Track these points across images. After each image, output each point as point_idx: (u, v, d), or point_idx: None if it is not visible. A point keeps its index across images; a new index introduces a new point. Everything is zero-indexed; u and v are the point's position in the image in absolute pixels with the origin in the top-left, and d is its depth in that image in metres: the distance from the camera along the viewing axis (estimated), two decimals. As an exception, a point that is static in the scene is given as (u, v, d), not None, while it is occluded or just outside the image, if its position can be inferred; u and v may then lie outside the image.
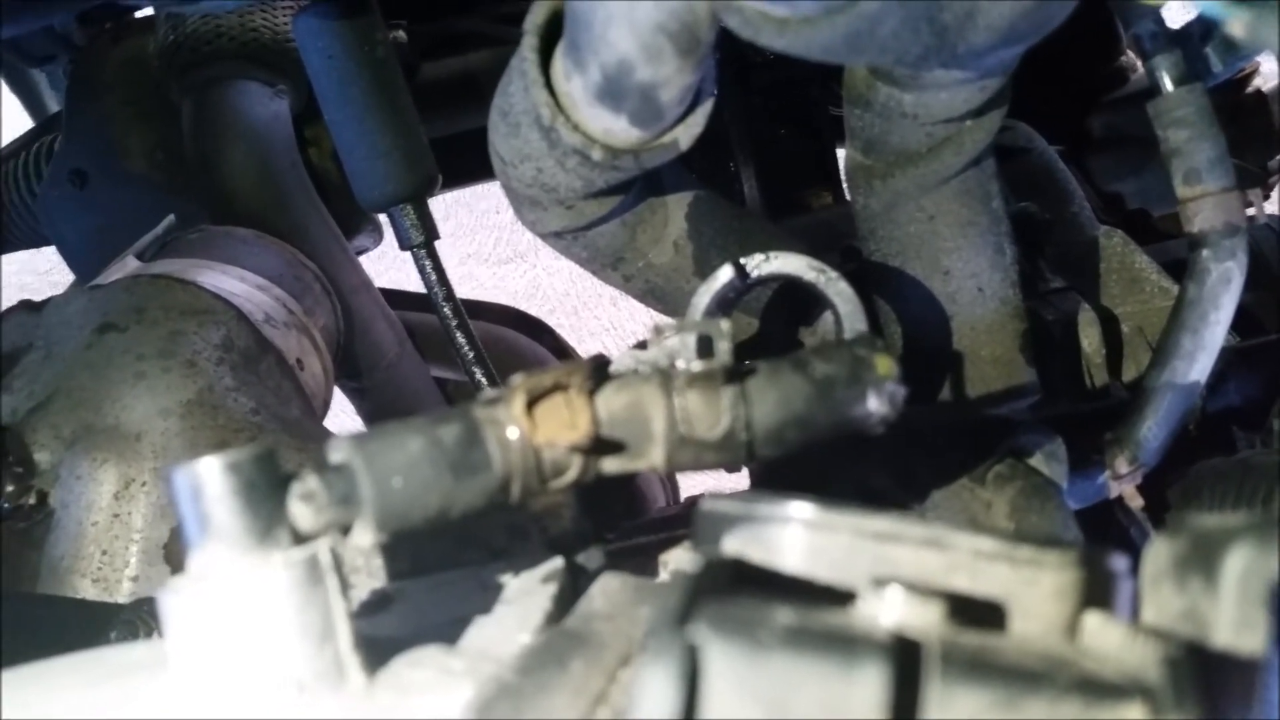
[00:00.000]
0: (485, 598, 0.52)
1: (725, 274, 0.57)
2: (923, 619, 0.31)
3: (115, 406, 0.86)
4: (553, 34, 0.60)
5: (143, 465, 0.85)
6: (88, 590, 0.82)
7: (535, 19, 0.60)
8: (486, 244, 3.31)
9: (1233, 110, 1.11)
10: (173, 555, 0.84)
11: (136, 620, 0.74)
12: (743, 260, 0.58)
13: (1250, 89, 1.15)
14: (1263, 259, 0.89)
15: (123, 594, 0.83)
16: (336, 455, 0.43)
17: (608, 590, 0.49)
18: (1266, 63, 1.09)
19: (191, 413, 0.88)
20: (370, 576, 0.58)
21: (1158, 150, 0.70)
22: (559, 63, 0.60)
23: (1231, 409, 0.78)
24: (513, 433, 0.44)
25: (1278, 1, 0.36)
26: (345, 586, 0.41)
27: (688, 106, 0.60)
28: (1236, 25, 0.36)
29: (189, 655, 0.38)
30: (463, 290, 1.04)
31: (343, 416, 1.32)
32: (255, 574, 0.38)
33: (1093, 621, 0.33)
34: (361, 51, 0.87)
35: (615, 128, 0.59)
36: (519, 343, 1.32)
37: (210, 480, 0.39)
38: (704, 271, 0.72)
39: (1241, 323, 0.74)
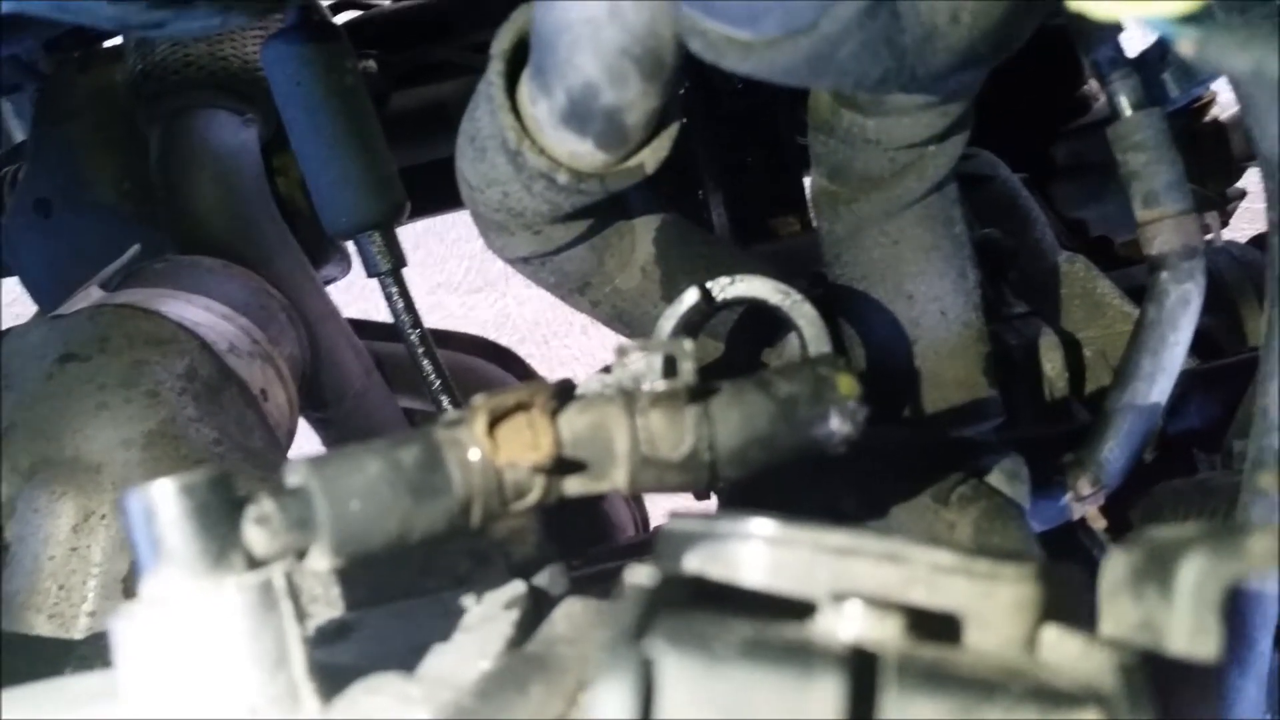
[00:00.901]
0: (446, 625, 0.51)
1: (691, 297, 0.57)
2: (881, 632, 0.31)
3: (76, 438, 0.85)
4: (519, 59, 0.61)
5: (103, 497, 0.84)
6: (43, 626, 0.81)
7: (501, 44, 0.60)
8: (456, 273, 3.31)
9: (1192, 139, 1.12)
10: (132, 589, 0.82)
11: (94, 656, 0.73)
12: (708, 283, 0.58)
13: (1208, 118, 1.17)
14: (1221, 283, 0.91)
15: (79, 630, 0.81)
16: (293, 478, 0.43)
17: (570, 614, 0.49)
18: (1224, 93, 1.11)
19: (153, 443, 0.87)
20: (329, 605, 0.58)
21: (1119, 178, 0.71)
22: (525, 87, 0.60)
23: (1191, 431, 0.78)
24: (474, 454, 0.44)
25: (1233, 22, 0.37)
26: (300, 612, 0.41)
27: (653, 130, 0.60)
28: (1185, 44, 0.36)
29: (140, 682, 0.38)
30: (432, 319, 1.04)
31: (308, 449, 1.31)
32: (209, 598, 0.37)
33: (1050, 634, 0.33)
34: (330, 78, 0.87)
35: (581, 151, 0.59)
36: (488, 372, 1.32)
37: (164, 503, 0.38)
38: (671, 296, 0.72)
39: (1201, 346, 0.75)
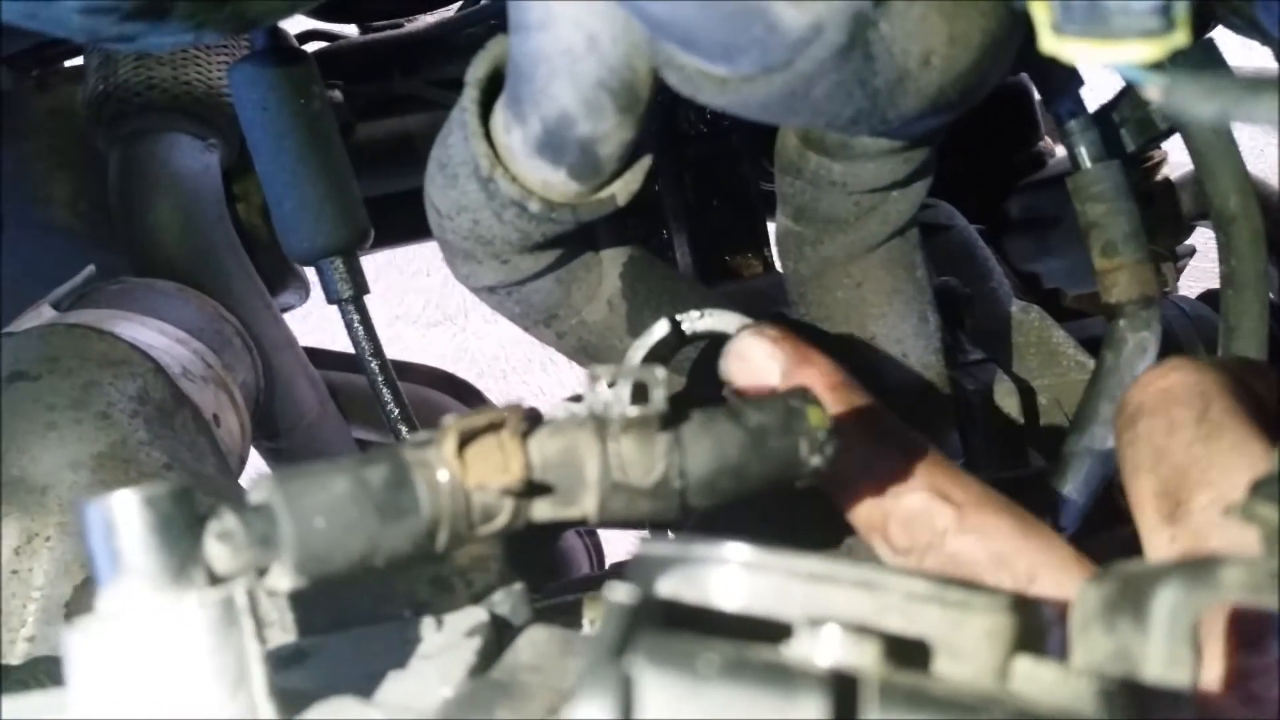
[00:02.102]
0: (405, 652, 0.50)
1: (661, 329, 0.58)
2: (859, 657, 0.31)
3: (22, 458, 0.83)
4: (493, 87, 0.61)
5: (47, 519, 0.82)
6: (-22, 651, 0.78)
7: (477, 71, 0.60)
8: (415, 306, 3.30)
9: (1143, 197, 1.16)
10: (75, 614, 0.80)
11: (31, 680, 0.70)
12: (678, 316, 0.58)
13: (1159, 177, 1.21)
14: (1173, 337, 0.93)
15: (16, 655, 0.79)
16: (257, 494, 0.42)
17: (535, 642, 0.48)
18: (1173, 154, 1.14)
19: (103, 465, 0.85)
20: (284, 631, 0.56)
21: (1071, 232, 0.73)
22: (499, 115, 0.60)
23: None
24: (443, 475, 0.43)
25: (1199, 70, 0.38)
26: (261, 630, 0.40)
27: (626, 163, 0.60)
28: (1153, 90, 0.37)
29: (93, 698, 0.37)
30: (391, 351, 1.03)
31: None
32: (169, 613, 0.36)
33: (1023, 665, 0.34)
34: (297, 103, 0.86)
35: (554, 180, 0.59)
36: (445, 404, 1.31)
37: (125, 515, 0.37)
38: (637, 330, 0.72)
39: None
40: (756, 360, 0.54)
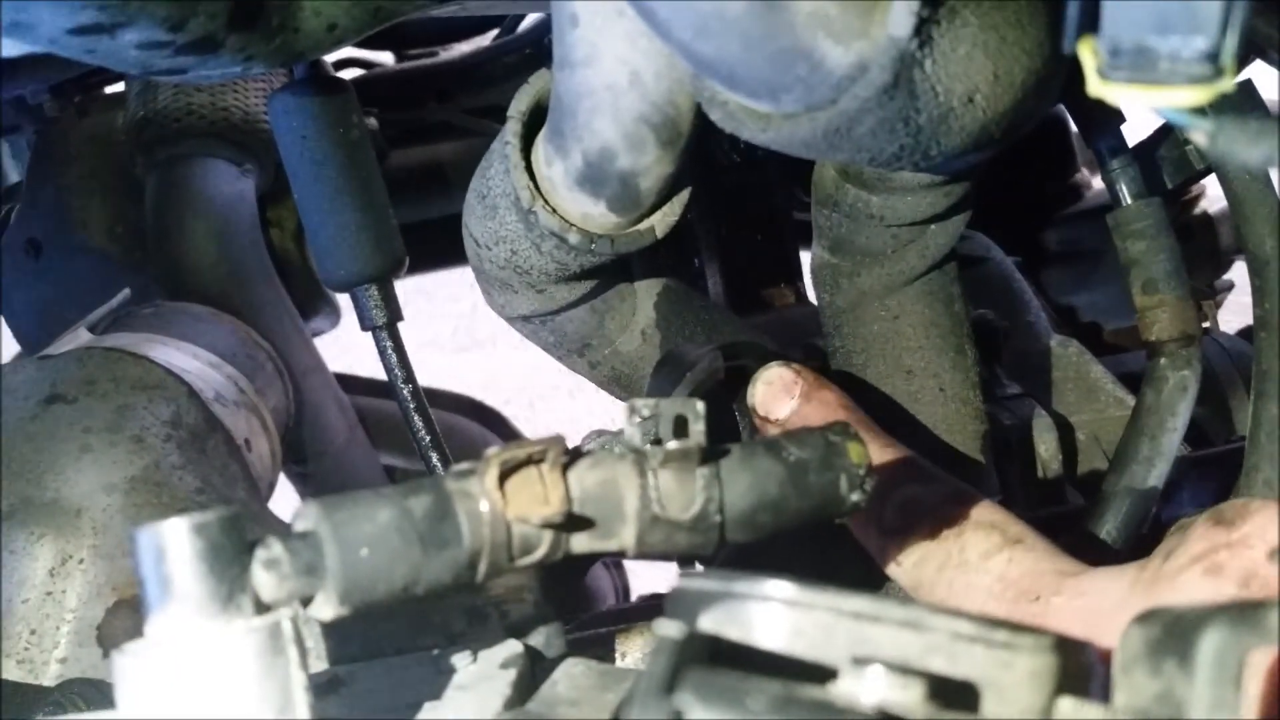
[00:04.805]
0: (440, 683, 0.50)
1: (713, 362, 0.58)
2: (904, 698, 0.31)
3: (57, 480, 0.84)
4: (535, 120, 0.62)
5: (81, 541, 0.83)
6: (12, 672, 0.78)
7: (520, 105, 0.61)
8: (444, 332, 3.31)
9: (1182, 230, 1.15)
10: (107, 637, 0.81)
11: (65, 703, 0.71)
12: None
13: (1197, 211, 1.20)
14: (1210, 373, 0.92)
15: (49, 676, 0.79)
16: (303, 522, 0.42)
17: (572, 675, 0.48)
18: (1211, 188, 1.13)
19: (136, 489, 0.86)
20: (318, 659, 0.57)
21: (1110, 266, 0.73)
22: (540, 148, 0.61)
23: (1185, 517, 0.79)
24: (484, 506, 0.43)
25: (1240, 115, 0.38)
26: (305, 658, 0.40)
27: (665, 196, 0.61)
28: (1198, 135, 0.37)
29: (140, 723, 0.37)
30: (418, 378, 1.03)
31: (286, 503, 1.29)
32: (218, 640, 0.37)
33: (1066, 706, 0.33)
34: (336, 132, 0.87)
35: (594, 213, 0.60)
36: (472, 431, 1.31)
37: (175, 541, 0.38)
38: (670, 361, 0.72)
39: (1191, 434, 0.75)
40: (779, 386, 0.57)
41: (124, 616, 0.80)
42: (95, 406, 0.88)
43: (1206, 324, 1.02)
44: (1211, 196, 1.21)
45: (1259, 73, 0.73)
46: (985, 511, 0.54)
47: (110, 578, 0.80)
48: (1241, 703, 0.30)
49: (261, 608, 0.39)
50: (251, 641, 0.37)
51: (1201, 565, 0.44)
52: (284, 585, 0.40)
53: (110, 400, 0.89)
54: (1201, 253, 1.18)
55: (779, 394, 0.60)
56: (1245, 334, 1.00)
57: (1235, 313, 1.21)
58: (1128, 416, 0.72)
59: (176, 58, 0.55)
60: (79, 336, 1.01)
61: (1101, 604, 0.47)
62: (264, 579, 0.39)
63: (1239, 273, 1.22)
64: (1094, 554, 0.66)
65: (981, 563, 0.52)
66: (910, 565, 0.54)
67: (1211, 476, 0.79)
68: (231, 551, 0.38)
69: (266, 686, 0.37)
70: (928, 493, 0.55)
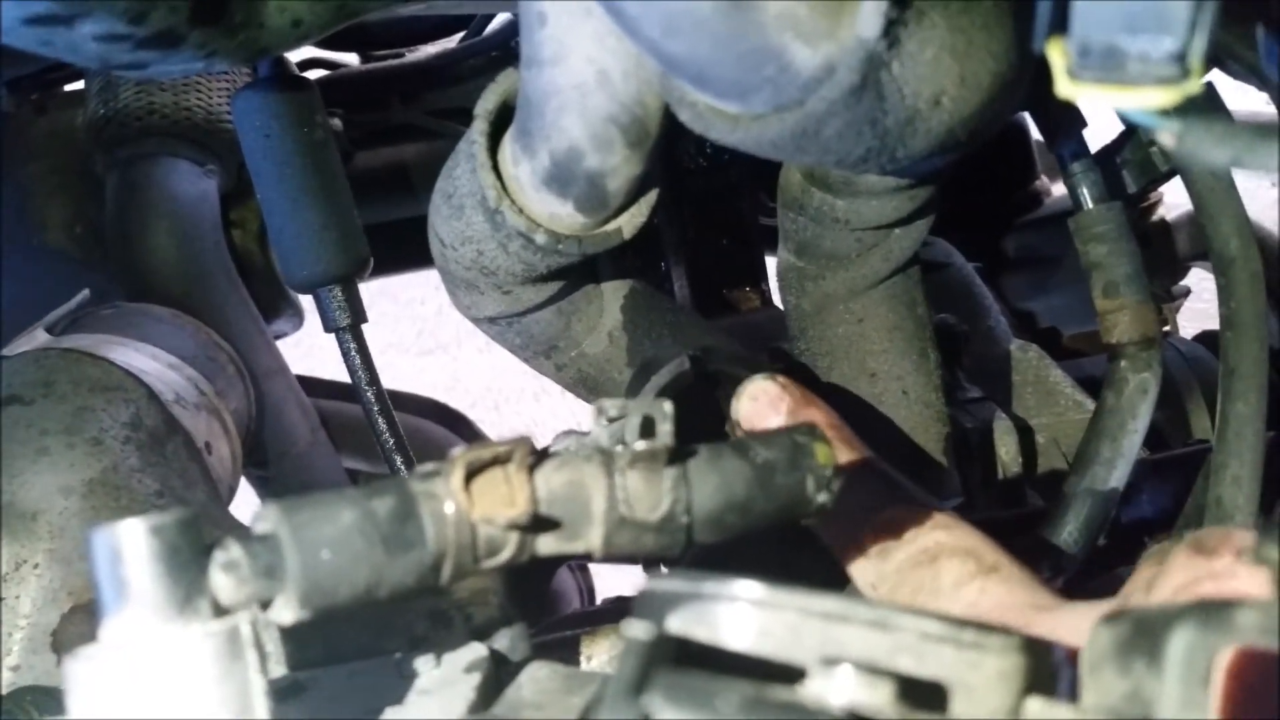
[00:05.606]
0: (403, 687, 0.50)
1: (679, 365, 0.58)
2: (873, 698, 0.31)
3: (13, 483, 0.82)
4: (502, 120, 0.61)
5: (37, 546, 0.81)
6: (-39, 680, 0.77)
7: (487, 104, 0.61)
8: (408, 334, 3.29)
9: (1140, 237, 1.17)
10: (62, 643, 0.79)
11: (17, 711, 0.69)
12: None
13: (1155, 218, 1.22)
14: (1168, 377, 0.93)
15: (1, 685, 0.78)
16: (262, 524, 0.41)
17: (537, 678, 0.48)
18: (1169, 195, 1.15)
19: (94, 492, 0.84)
20: (278, 664, 0.56)
21: (1069, 272, 0.73)
22: (508, 147, 0.60)
23: (1144, 519, 0.80)
24: (449, 507, 0.43)
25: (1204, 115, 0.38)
26: (265, 662, 0.39)
27: (632, 197, 0.61)
28: (1166, 136, 0.38)
29: (94, 729, 0.36)
30: (382, 380, 1.02)
31: (246, 506, 1.27)
32: (175, 643, 0.36)
33: (1034, 705, 0.34)
34: (299, 131, 0.87)
35: (561, 213, 0.60)
36: (436, 434, 1.30)
37: (132, 543, 0.37)
38: (636, 363, 0.72)
39: (1150, 439, 0.76)
40: (765, 402, 0.56)
41: (79, 622, 0.79)
42: (52, 408, 0.86)
43: (1166, 328, 1.03)
44: (1169, 204, 1.23)
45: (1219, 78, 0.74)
46: (963, 538, 0.53)
47: (66, 582, 0.79)
48: (1210, 701, 0.30)
49: (220, 611, 0.38)
50: (209, 645, 0.36)
51: (1184, 598, 0.43)
52: (243, 588, 0.39)
53: (68, 402, 0.87)
54: (1159, 259, 1.19)
55: (764, 410, 0.58)
56: (1201, 339, 1.02)
57: (1191, 318, 1.22)
58: (1086, 420, 0.73)
59: (137, 52, 0.54)
60: (36, 337, 0.99)
61: (1077, 642, 0.47)
62: (222, 581, 0.39)
63: (1195, 279, 1.24)
64: (1050, 557, 0.67)
65: (954, 590, 0.51)
66: (886, 590, 0.54)
67: (1170, 479, 0.80)
68: (189, 553, 0.37)
69: (225, 691, 0.36)
70: (908, 516, 0.54)
